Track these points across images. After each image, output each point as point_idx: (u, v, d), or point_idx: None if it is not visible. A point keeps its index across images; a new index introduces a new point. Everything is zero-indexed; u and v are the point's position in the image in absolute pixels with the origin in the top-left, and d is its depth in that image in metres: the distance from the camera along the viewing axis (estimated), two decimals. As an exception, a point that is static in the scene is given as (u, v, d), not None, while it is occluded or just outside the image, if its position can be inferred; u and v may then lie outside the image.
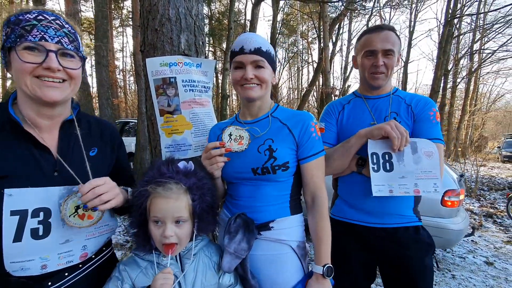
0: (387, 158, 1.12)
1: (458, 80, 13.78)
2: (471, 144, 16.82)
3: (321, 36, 8.70)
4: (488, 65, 13.52)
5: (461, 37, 12.64)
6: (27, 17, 0.75)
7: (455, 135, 13.64)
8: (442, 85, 10.28)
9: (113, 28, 17.33)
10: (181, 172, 0.91)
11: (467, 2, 10.76)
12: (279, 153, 0.99)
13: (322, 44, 8.35)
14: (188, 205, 0.88)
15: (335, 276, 0.99)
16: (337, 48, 13.06)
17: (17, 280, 0.76)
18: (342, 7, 7.76)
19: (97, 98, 5.20)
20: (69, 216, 0.81)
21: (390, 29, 1.23)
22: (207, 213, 0.93)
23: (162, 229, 0.85)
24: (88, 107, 6.02)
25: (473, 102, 17.31)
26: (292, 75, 23.79)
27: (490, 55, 11.98)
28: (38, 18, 0.75)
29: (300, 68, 21.84)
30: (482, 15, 11.71)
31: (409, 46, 14.41)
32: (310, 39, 18.57)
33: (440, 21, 12.49)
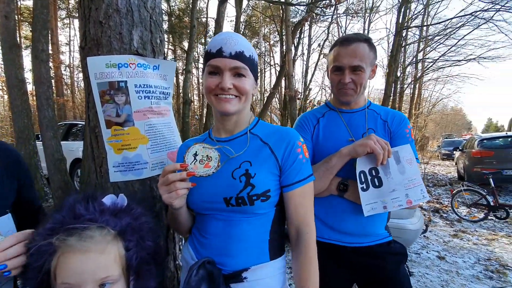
0: (374, 174, 1.07)
1: (405, 86, 15.09)
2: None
3: (284, 40, 8.79)
4: (430, 72, 15.06)
5: (407, 46, 13.84)
6: None
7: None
8: (392, 90, 11.12)
9: (59, 20, 15.59)
10: (108, 211, 0.69)
11: (414, 15, 11.82)
12: (258, 180, 0.80)
13: (285, 48, 8.44)
14: (119, 257, 0.65)
15: None
16: (299, 53, 13.39)
17: None
18: (304, 12, 7.93)
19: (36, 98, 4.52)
20: None
21: (360, 41, 1.12)
22: (148, 264, 0.71)
23: None
24: (24, 108, 5.23)
25: (418, 106, 19.15)
26: (255, 76, 23.79)
27: (431, 63, 13.32)
28: None
29: (263, 70, 22.02)
30: (427, 27, 12.96)
31: (364, 53, 15.33)
32: (272, 42, 18.80)
33: (390, 31, 13.55)
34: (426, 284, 2.92)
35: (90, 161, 1.14)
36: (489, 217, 5.13)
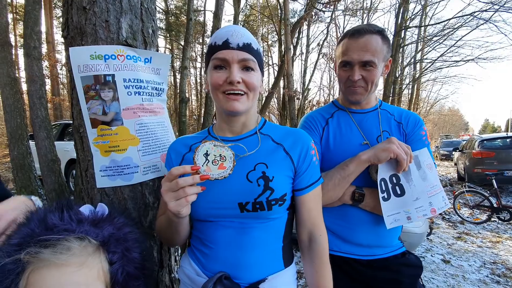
0: (395, 181, 0.97)
1: (404, 86, 15.06)
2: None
3: (282, 39, 8.69)
4: (428, 73, 15.04)
5: (405, 47, 13.81)
6: None
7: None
8: (391, 90, 11.07)
9: (54, 18, 15.37)
10: (87, 221, 0.59)
11: (413, 15, 11.77)
12: (277, 183, 0.74)
13: (283, 47, 8.34)
14: (103, 272, 0.56)
15: None
16: (297, 52, 13.31)
17: None
18: (303, 10, 7.84)
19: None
20: None
21: (372, 32, 0.99)
22: (136, 279, 0.61)
23: None
24: (17, 107, 5.09)
25: (416, 106, 19.15)
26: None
27: (430, 64, 13.30)
28: None
29: (261, 70, 21.89)
30: (424, 28, 12.94)
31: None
32: (270, 42, 18.70)
33: (389, 31, 13.51)
34: (432, 290, 2.82)
35: (76, 165, 1.03)
36: (492, 219, 5.05)
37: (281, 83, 11.46)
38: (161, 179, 0.76)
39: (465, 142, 9.54)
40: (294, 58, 11.82)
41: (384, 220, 0.96)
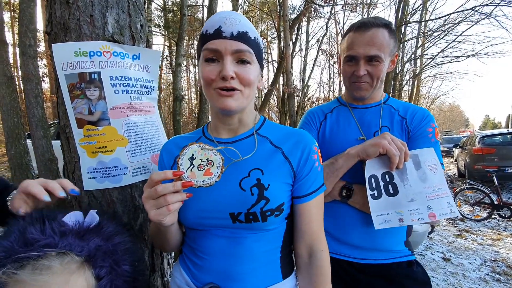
0: (388, 180, 0.90)
1: (404, 82, 14.98)
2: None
3: (282, 36, 8.61)
4: (429, 69, 14.95)
5: (405, 43, 13.71)
6: None
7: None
8: (392, 87, 11.00)
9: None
10: (71, 233, 0.55)
11: (413, 10, 11.66)
12: (273, 192, 0.67)
13: (282, 44, 8.26)
14: None
15: None
16: (297, 49, 13.21)
17: None
18: (302, 7, 7.75)
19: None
20: None
21: (378, 26, 0.95)
22: None
23: None
24: (13, 106, 5.05)
25: (416, 103, 19.08)
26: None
27: (430, 60, 13.20)
28: None
29: (261, 67, 21.80)
30: (425, 23, 12.83)
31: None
32: (269, 39, 18.58)
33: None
34: (432, 288, 2.80)
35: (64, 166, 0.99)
36: (493, 216, 5.02)
37: (281, 80, 11.39)
38: None
39: (465, 138, 9.48)
40: (294, 54, 11.73)
41: (373, 219, 0.90)
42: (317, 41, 12.93)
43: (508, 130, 7.83)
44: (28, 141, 5.25)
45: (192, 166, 0.61)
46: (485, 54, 11.05)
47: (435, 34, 11.56)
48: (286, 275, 0.73)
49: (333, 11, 10.43)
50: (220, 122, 0.76)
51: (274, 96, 14.44)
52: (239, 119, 0.75)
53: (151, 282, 1.08)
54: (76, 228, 0.57)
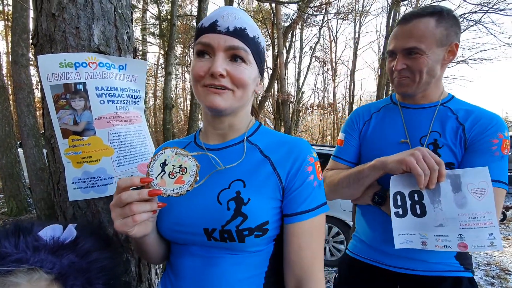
0: (416, 199, 0.81)
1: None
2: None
3: (275, 43, 8.73)
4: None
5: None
6: None
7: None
8: (385, 92, 11.15)
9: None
10: (45, 248, 0.53)
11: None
12: (252, 208, 0.58)
13: (276, 51, 8.37)
14: None
15: None
16: (291, 56, 13.37)
17: None
18: (295, 15, 7.90)
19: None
20: None
21: (422, 16, 0.86)
22: None
23: None
24: (5, 115, 5.00)
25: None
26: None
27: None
28: None
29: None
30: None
31: (355, 56, 15.49)
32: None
33: (381, 34, 13.70)
34: (427, 293, 2.80)
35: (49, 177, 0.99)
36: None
37: (276, 87, 11.48)
38: None
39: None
40: (288, 61, 11.87)
41: (394, 237, 0.81)
42: (310, 48, 13.11)
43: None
44: (20, 150, 5.20)
45: (163, 172, 0.55)
46: (475, 60, 11.33)
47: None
48: None
49: (325, 19, 10.65)
50: (210, 126, 0.70)
51: (269, 103, 14.52)
52: (229, 124, 0.68)
53: (138, 293, 1.07)
54: (51, 244, 0.55)
